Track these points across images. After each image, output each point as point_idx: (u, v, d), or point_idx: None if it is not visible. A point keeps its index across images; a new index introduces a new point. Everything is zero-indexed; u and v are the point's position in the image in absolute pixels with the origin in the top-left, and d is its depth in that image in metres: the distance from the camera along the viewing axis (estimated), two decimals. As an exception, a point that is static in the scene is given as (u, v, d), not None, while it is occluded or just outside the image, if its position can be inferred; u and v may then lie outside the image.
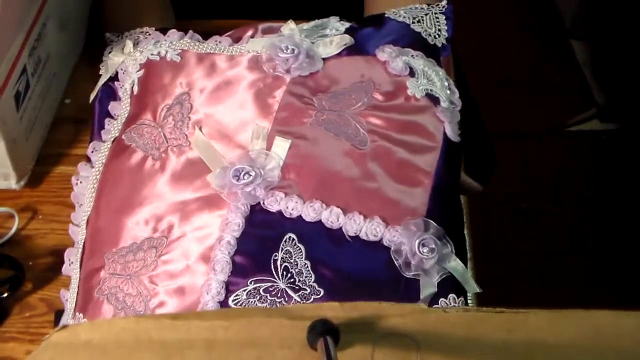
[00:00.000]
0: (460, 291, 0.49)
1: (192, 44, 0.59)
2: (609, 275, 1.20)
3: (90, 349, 0.32)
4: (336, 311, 0.30)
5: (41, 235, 0.58)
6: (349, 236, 0.49)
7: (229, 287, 0.47)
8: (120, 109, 0.58)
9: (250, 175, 0.50)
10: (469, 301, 0.52)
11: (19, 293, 0.54)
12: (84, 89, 0.65)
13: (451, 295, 0.48)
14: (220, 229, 0.49)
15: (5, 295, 0.53)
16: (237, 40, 0.60)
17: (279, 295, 0.46)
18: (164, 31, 0.61)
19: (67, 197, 0.57)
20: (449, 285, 0.48)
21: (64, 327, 0.37)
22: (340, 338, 0.30)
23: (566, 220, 1.26)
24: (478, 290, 0.50)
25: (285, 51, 0.56)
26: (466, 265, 0.50)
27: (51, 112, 0.65)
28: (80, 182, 0.56)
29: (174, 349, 0.30)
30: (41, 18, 0.59)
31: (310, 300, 0.46)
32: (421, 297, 0.47)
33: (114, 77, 0.60)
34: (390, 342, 0.32)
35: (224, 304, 0.46)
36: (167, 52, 0.59)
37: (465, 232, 0.55)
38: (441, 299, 0.48)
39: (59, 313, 0.53)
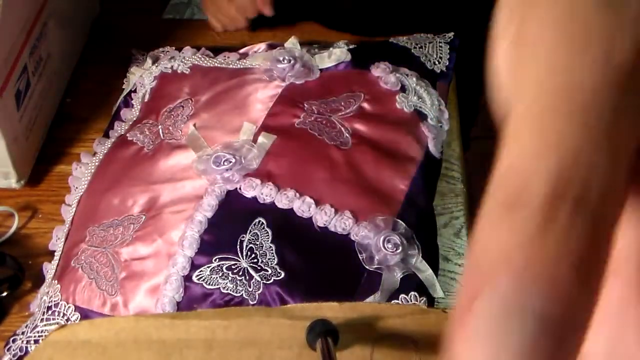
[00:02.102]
0: (424, 291, 0.50)
1: (202, 59, 0.64)
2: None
3: (89, 348, 0.33)
4: (335, 311, 0.30)
5: (41, 234, 0.58)
6: (318, 226, 0.50)
7: (194, 263, 0.49)
8: (131, 114, 0.63)
9: (231, 162, 0.53)
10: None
11: (18, 292, 0.54)
12: (85, 88, 0.67)
13: (413, 293, 0.49)
14: (194, 208, 0.51)
15: (5, 294, 0.54)
16: (244, 55, 0.64)
17: (240, 273, 0.48)
18: (180, 49, 0.66)
19: (67, 194, 0.58)
20: (413, 283, 0.49)
21: (63, 325, 0.38)
22: (339, 338, 0.32)
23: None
24: (442, 295, 0.50)
25: (283, 61, 0.59)
26: (436, 273, 0.51)
27: (52, 111, 0.67)
28: (80, 168, 0.59)
29: (173, 348, 0.31)
30: (42, 17, 0.61)
31: (271, 281, 0.47)
32: (380, 290, 0.48)
33: (134, 90, 0.65)
34: (389, 342, 0.33)
35: (187, 278, 0.48)
36: (179, 65, 0.64)
37: (465, 233, 0.56)
38: (402, 295, 0.48)
39: None
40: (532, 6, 0.16)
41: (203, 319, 0.27)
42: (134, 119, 0.62)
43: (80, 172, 0.59)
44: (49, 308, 0.50)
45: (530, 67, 0.15)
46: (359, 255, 0.49)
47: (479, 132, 0.92)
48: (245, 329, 0.27)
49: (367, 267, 0.49)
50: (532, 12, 0.16)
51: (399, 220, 0.51)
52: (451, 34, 0.65)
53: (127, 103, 0.64)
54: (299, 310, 0.27)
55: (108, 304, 0.49)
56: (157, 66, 0.65)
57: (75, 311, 0.50)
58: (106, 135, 0.62)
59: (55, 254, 0.55)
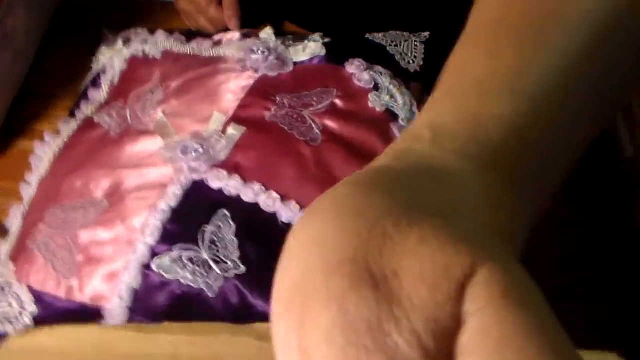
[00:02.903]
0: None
1: (174, 44, 0.63)
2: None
3: (49, 356, 0.32)
4: None
5: (0, 210, 0.57)
6: (282, 222, 0.50)
7: (154, 252, 0.48)
8: (99, 95, 0.62)
9: (198, 151, 0.52)
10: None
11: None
12: (52, 66, 0.66)
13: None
14: (158, 196, 0.51)
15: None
16: (217, 43, 0.63)
17: (200, 265, 0.47)
18: (152, 31, 0.65)
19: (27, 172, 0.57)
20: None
21: (24, 331, 0.37)
22: None
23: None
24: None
25: (257, 52, 0.59)
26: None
27: (16, 86, 0.66)
28: (43, 147, 0.58)
29: None
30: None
31: (231, 275, 0.47)
32: None
33: (103, 71, 0.63)
34: None
35: (147, 267, 0.48)
36: (150, 49, 0.62)
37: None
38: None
39: None
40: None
41: (170, 333, 0.26)
42: (102, 101, 0.61)
43: (43, 151, 0.57)
44: (2, 288, 0.49)
45: None
46: None
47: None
48: (211, 347, 0.26)
49: None
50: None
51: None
52: (427, 34, 0.65)
53: (95, 83, 0.63)
54: (267, 329, 0.27)
55: (63, 287, 0.49)
56: (128, 48, 0.63)
57: (28, 292, 0.49)
58: (72, 115, 0.61)
59: (11, 232, 0.54)
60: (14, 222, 0.54)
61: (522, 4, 0.29)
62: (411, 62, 0.62)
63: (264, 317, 0.45)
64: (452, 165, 0.23)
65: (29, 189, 0.55)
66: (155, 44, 0.63)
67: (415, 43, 0.63)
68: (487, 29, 0.29)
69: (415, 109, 0.59)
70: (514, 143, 0.24)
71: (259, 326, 0.28)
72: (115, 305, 0.47)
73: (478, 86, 0.26)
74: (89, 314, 0.47)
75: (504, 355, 0.16)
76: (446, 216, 0.20)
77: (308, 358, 0.17)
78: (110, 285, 0.48)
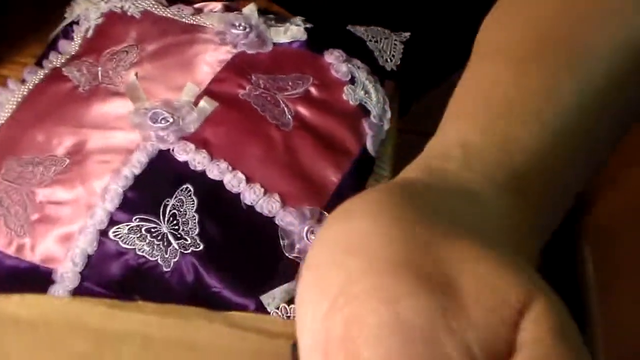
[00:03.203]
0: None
1: (155, 6, 0.61)
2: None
3: (18, 325, 0.31)
4: (278, 326, 0.30)
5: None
6: (245, 204, 0.50)
7: (113, 219, 0.48)
8: (70, 47, 0.60)
9: (168, 121, 0.51)
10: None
11: None
12: (22, 8, 0.64)
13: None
14: (122, 162, 0.50)
15: None
16: (198, 11, 0.62)
17: (159, 238, 0.47)
18: None
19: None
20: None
21: None
22: None
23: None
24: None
25: (237, 27, 0.58)
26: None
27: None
28: (5, 94, 0.56)
29: (107, 341, 0.29)
30: None
31: (188, 251, 0.47)
32: (295, 280, 0.48)
33: (76, 22, 0.61)
34: None
35: (103, 233, 0.47)
36: (130, 7, 0.60)
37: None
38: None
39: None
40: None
41: (141, 312, 0.26)
42: (73, 53, 0.59)
43: (5, 98, 0.55)
44: (-51, 238, 0.48)
45: None
46: (281, 241, 0.49)
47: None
48: (184, 331, 0.26)
49: (286, 254, 0.49)
50: None
51: (325, 213, 0.51)
52: (407, 34, 0.65)
53: (66, 34, 0.61)
54: (241, 319, 0.27)
55: (14, 245, 0.47)
56: (106, 2, 0.61)
57: (-23, 246, 0.47)
58: (39, 64, 0.59)
59: (-36, 180, 0.52)
60: (-32, 169, 0.53)
61: (550, 26, 0.30)
62: (389, 60, 0.62)
63: (219, 298, 0.45)
64: (480, 189, 0.24)
65: (-14, 136, 0.54)
66: (135, 1, 0.61)
67: (395, 42, 0.63)
68: (511, 49, 0.29)
69: (387, 107, 0.59)
70: (536, 173, 0.25)
71: (233, 314, 0.28)
72: (67, 269, 0.46)
73: (507, 108, 0.27)
74: (38, 276, 0.46)
75: None
76: (482, 237, 0.21)
77: (355, 354, 0.18)
78: (63, 247, 0.47)
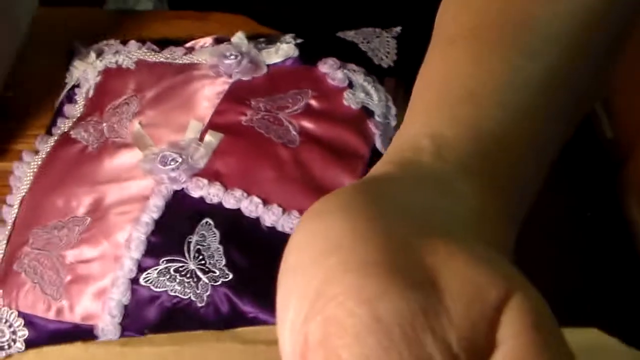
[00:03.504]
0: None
1: (147, 54, 0.63)
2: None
3: None
4: None
5: (-16, 236, 0.57)
6: (266, 226, 0.50)
7: (141, 266, 0.48)
8: (74, 110, 0.61)
9: (177, 161, 0.52)
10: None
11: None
12: (26, 84, 0.66)
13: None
14: (140, 209, 0.51)
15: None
16: (190, 50, 0.63)
17: (188, 275, 0.48)
18: (125, 42, 0.65)
19: (8, 194, 0.57)
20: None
21: (9, 357, 0.37)
22: None
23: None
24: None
25: (229, 57, 0.59)
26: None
27: (-10, 109, 0.65)
28: (22, 167, 0.58)
29: None
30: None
31: (219, 283, 0.47)
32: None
33: (77, 85, 0.63)
34: None
35: (134, 281, 0.48)
36: (124, 60, 0.62)
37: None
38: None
39: None
40: None
41: (154, 345, 0.27)
42: (78, 115, 0.60)
43: (22, 172, 0.57)
44: (-9, 315, 0.49)
45: None
46: None
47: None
48: (196, 355, 0.27)
49: None
50: None
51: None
52: (398, 29, 0.65)
53: (70, 99, 0.63)
54: (251, 333, 0.27)
55: (53, 309, 0.49)
56: (101, 60, 0.63)
57: (18, 317, 0.49)
58: (49, 133, 0.61)
59: (-3, 257, 0.54)
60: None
61: (500, 7, 0.29)
62: (384, 57, 0.62)
63: (256, 323, 0.45)
64: (454, 178, 0.23)
65: (11, 212, 0.55)
66: (128, 54, 0.63)
67: (387, 39, 0.64)
68: (470, 35, 0.30)
69: (390, 104, 0.59)
70: (503, 157, 0.25)
71: (241, 330, 0.28)
72: (107, 323, 0.47)
73: (469, 96, 0.27)
74: (81, 334, 0.47)
75: None
76: (457, 232, 0.21)
77: (335, 356, 0.17)
78: (99, 302, 0.48)
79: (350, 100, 0.57)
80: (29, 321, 0.49)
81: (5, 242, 0.54)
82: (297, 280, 0.19)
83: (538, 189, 0.28)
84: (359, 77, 0.59)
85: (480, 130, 0.25)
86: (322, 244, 0.20)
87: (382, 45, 0.63)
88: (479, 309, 0.18)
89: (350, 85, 0.59)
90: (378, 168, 0.24)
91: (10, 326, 0.49)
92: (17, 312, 0.49)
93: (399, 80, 0.64)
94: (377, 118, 0.57)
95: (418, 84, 0.29)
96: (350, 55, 0.61)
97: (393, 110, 0.59)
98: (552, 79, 0.28)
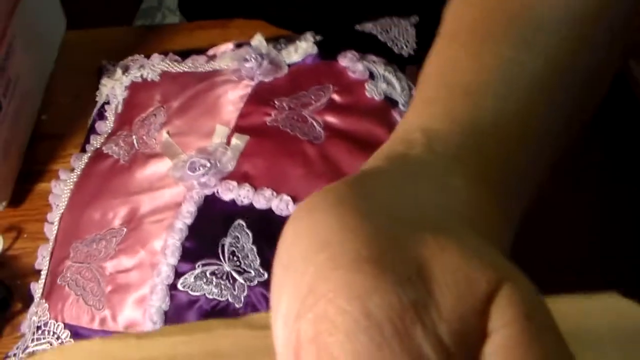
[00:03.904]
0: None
1: (170, 65, 0.64)
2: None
3: None
4: None
5: (27, 254, 0.59)
6: None
7: (177, 271, 0.49)
8: (105, 126, 0.63)
9: (206, 166, 0.53)
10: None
11: (8, 314, 0.55)
12: (60, 104, 0.68)
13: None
14: (173, 216, 0.52)
15: (-4, 317, 0.55)
16: (212, 57, 0.64)
17: (224, 277, 0.48)
18: (149, 56, 0.66)
19: (49, 213, 0.59)
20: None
21: (31, 355, 0.38)
22: None
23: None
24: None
25: (250, 60, 0.59)
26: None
27: (28, 129, 0.67)
28: (59, 185, 0.60)
29: None
30: (7, 38, 0.61)
31: (255, 283, 0.48)
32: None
33: (107, 102, 0.65)
34: None
35: (172, 287, 0.49)
36: (148, 73, 0.63)
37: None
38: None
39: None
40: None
41: (166, 335, 0.27)
42: (109, 131, 0.62)
43: (60, 189, 0.59)
44: (38, 328, 0.51)
45: None
46: None
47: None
48: (208, 343, 0.27)
49: None
50: None
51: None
52: (416, 16, 0.65)
53: (101, 115, 0.64)
54: (260, 319, 0.28)
55: (97, 319, 0.50)
56: (127, 76, 0.65)
57: (65, 329, 0.50)
58: (83, 150, 0.62)
59: (42, 273, 0.55)
60: (43, 263, 0.56)
61: (499, 3, 0.29)
62: (404, 46, 0.62)
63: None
64: (444, 170, 0.23)
65: (52, 229, 0.57)
66: (152, 67, 0.64)
67: (406, 27, 0.63)
68: (467, 29, 0.29)
69: (414, 92, 0.59)
70: (500, 151, 0.25)
71: (252, 317, 0.28)
72: (149, 329, 0.48)
73: (464, 91, 0.27)
74: (124, 341, 0.49)
75: None
76: (449, 225, 0.20)
77: (326, 353, 0.17)
78: (140, 310, 0.49)
79: (373, 92, 0.57)
80: (75, 332, 0.50)
81: (48, 258, 0.55)
82: (288, 276, 0.19)
83: (535, 191, 0.27)
84: (379, 68, 0.59)
85: (474, 122, 0.25)
86: (311, 240, 0.19)
87: (401, 34, 0.63)
88: (469, 301, 0.18)
89: (372, 76, 0.59)
90: (370, 163, 0.24)
91: (58, 338, 0.50)
92: (63, 324, 0.50)
93: (420, 68, 0.63)
94: (401, 107, 0.57)
95: (420, 80, 0.29)
96: (369, 46, 0.61)
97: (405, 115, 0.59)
98: (551, 71, 0.27)
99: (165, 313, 0.49)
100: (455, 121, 0.25)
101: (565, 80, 0.28)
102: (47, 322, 0.51)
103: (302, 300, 0.18)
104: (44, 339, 0.50)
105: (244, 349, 0.26)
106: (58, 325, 0.50)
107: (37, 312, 0.52)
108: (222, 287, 0.48)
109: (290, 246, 0.20)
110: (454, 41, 0.29)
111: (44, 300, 0.52)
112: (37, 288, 0.55)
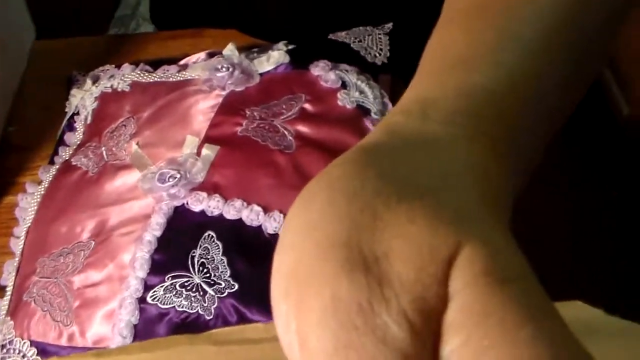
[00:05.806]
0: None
1: (141, 75, 0.63)
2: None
3: None
4: (259, 332, 0.30)
5: (-4, 269, 0.58)
6: (268, 233, 0.50)
7: (147, 284, 0.48)
8: (75, 137, 0.62)
9: (175, 177, 0.52)
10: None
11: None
12: (28, 115, 0.67)
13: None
14: (142, 229, 0.51)
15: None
16: (183, 67, 0.63)
17: (194, 289, 0.47)
18: (119, 66, 0.65)
19: (15, 227, 0.58)
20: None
21: None
22: None
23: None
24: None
25: (221, 70, 0.59)
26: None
27: (-6, 144, 0.66)
28: (26, 198, 0.58)
29: None
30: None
31: (225, 294, 0.47)
32: None
33: (76, 113, 0.64)
34: None
35: (142, 300, 0.48)
36: (119, 84, 0.63)
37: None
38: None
39: None
40: None
41: (128, 354, 0.26)
42: (78, 142, 0.61)
43: (27, 203, 0.58)
44: (3, 346, 0.49)
45: None
46: None
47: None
48: (170, 359, 0.27)
49: None
50: None
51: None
52: (389, 25, 0.65)
53: (70, 127, 0.63)
54: (224, 334, 0.27)
55: (64, 335, 0.49)
56: (97, 86, 0.64)
57: (31, 346, 0.49)
58: (51, 162, 0.61)
59: (7, 289, 0.54)
60: (9, 278, 0.54)
61: None
62: (377, 55, 0.62)
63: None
64: (441, 137, 0.23)
65: (18, 243, 0.56)
66: (123, 77, 0.63)
67: (379, 36, 0.63)
68: (463, 11, 0.30)
69: (387, 100, 0.59)
70: (497, 113, 0.25)
71: (216, 332, 0.28)
72: (118, 344, 0.47)
73: (460, 60, 0.27)
74: (92, 357, 0.47)
75: (485, 330, 0.17)
76: (437, 190, 0.20)
77: (305, 342, 0.18)
78: (109, 325, 0.48)
79: (345, 100, 0.57)
80: (42, 349, 0.49)
81: (14, 273, 0.54)
82: (277, 266, 0.20)
83: (539, 152, 0.28)
84: (352, 77, 0.59)
85: (471, 89, 0.25)
86: (300, 227, 0.20)
87: (375, 43, 0.63)
88: (429, 271, 0.17)
89: (344, 85, 0.58)
90: (368, 136, 0.24)
91: (24, 356, 0.49)
92: (29, 342, 0.49)
93: (394, 76, 0.63)
94: (373, 115, 0.57)
95: (420, 64, 0.29)
96: (342, 55, 0.61)
97: (390, 107, 0.59)
98: (549, 41, 0.28)
99: (135, 327, 0.48)
100: (451, 88, 0.25)
101: (564, 39, 0.28)
102: (13, 340, 0.49)
103: (286, 285, 0.19)
104: (9, 357, 0.49)
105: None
106: (24, 342, 0.49)
107: (2, 330, 0.51)
108: (192, 299, 0.48)
109: (284, 235, 0.21)
110: (450, 24, 0.30)
111: (9, 318, 0.51)
112: (1, 305, 0.53)
